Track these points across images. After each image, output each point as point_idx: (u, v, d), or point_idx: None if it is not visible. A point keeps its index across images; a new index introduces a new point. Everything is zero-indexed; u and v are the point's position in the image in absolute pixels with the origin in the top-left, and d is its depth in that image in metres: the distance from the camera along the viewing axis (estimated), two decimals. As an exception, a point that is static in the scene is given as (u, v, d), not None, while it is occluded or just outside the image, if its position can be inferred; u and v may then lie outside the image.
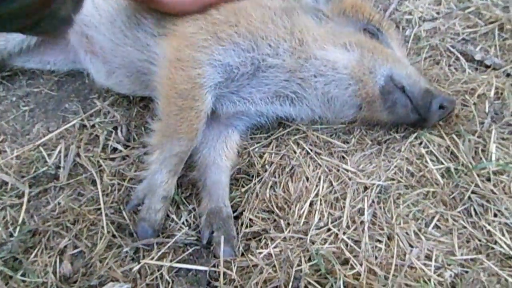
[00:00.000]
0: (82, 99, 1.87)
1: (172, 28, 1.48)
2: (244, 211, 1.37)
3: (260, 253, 1.22)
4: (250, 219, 1.33)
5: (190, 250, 1.29)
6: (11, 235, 1.42)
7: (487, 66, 1.56)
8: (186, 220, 1.39)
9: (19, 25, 0.98)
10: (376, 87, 1.39)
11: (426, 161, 1.35)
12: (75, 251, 1.36)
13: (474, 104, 1.42)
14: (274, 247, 1.22)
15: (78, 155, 1.63)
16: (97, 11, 1.67)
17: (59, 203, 1.50)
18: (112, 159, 1.61)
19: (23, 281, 1.29)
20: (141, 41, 1.56)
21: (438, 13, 1.82)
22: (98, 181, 1.52)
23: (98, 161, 1.59)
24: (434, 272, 1.12)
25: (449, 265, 1.14)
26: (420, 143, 1.40)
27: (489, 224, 1.20)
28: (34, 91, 1.94)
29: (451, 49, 1.64)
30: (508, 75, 1.51)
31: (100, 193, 1.48)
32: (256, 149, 1.51)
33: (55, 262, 1.33)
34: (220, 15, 1.42)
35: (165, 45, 1.47)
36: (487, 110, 1.40)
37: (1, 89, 1.95)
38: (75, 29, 1.79)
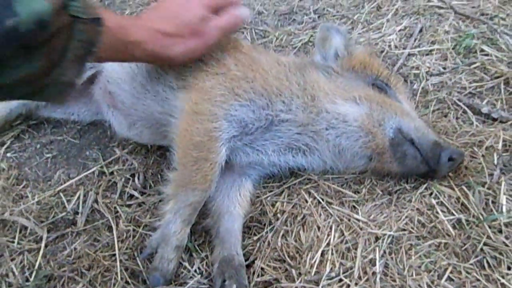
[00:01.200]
0: (103, 147, 1.95)
1: (192, 82, 1.57)
2: (256, 259, 1.38)
3: (271, 303, 1.22)
4: (262, 268, 1.34)
5: (202, 298, 1.29)
6: (27, 280, 1.44)
7: (494, 119, 1.60)
8: (199, 268, 1.41)
9: (22, 93, 1.03)
10: (385, 139, 1.44)
11: (437, 212, 1.36)
12: (89, 297, 1.37)
13: (483, 156, 1.44)
14: (286, 297, 1.22)
15: (96, 201, 1.68)
16: (119, 67, 1.78)
17: (75, 249, 1.53)
18: (129, 206, 1.65)
19: (37, 327, 1.30)
20: (160, 94, 1.66)
21: (444, 68, 1.89)
22: (114, 227, 1.56)
23: (115, 207, 1.64)
24: (448, 327, 1.10)
25: (464, 319, 1.12)
26: (431, 194, 1.42)
27: (503, 277, 1.19)
28: (58, 139, 2.03)
29: (458, 102, 1.69)
30: (515, 127, 1.55)
31: (116, 239, 1.51)
32: (269, 198, 1.54)
33: (69, 308, 1.35)
34: (238, 71, 1.51)
35: (184, 98, 1.56)
36: (495, 162, 1.42)
37: (27, 136, 2.05)
38: (99, 85, 1.91)
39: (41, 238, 1.57)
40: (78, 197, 1.70)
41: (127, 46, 1.27)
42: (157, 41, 1.34)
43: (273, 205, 1.51)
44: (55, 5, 0.96)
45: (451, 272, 1.23)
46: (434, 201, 1.39)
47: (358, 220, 1.39)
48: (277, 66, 1.54)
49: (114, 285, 1.38)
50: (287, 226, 1.43)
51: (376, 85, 1.56)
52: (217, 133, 1.45)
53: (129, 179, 1.74)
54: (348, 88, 1.53)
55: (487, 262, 1.23)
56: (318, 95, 1.49)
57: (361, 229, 1.36)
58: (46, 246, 1.55)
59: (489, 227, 1.28)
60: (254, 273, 1.34)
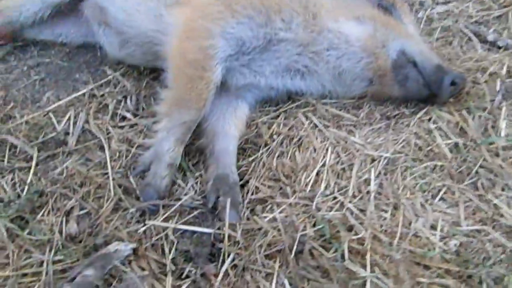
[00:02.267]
0: (93, 70, 1.88)
1: None
2: (250, 179, 1.37)
3: (265, 217, 1.22)
4: (256, 187, 1.34)
5: (195, 213, 1.29)
6: (19, 196, 1.43)
7: (500, 47, 1.55)
8: (193, 186, 1.40)
9: None
10: (388, 60, 1.39)
11: (435, 136, 1.34)
12: (82, 212, 1.36)
13: (485, 82, 1.41)
14: (280, 212, 1.22)
15: (87, 122, 1.64)
16: None
17: (66, 167, 1.50)
18: (121, 127, 1.62)
19: (29, 239, 1.30)
20: (153, 11, 1.57)
21: (451, -4, 1.81)
22: (106, 147, 1.53)
23: (106, 128, 1.60)
24: (440, 241, 1.12)
25: (454, 235, 1.14)
26: (429, 119, 1.40)
27: (496, 198, 1.20)
28: (45, 61, 1.95)
29: (464, 30, 1.63)
30: (520, 55, 1.51)
31: (108, 158, 1.49)
32: (265, 120, 1.51)
33: (62, 222, 1.34)
34: None
35: (178, 15, 1.48)
36: (498, 88, 1.39)
37: (13, 58, 1.97)
38: (90, 2, 1.80)
39: (31, 157, 1.54)
40: (69, 118, 1.66)
41: None
42: None
43: (269, 128, 1.49)
44: None
45: (445, 193, 1.24)
46: (432, 126, 1.37)
47: (355, 142, 1.37)
48: None
49: (107, 201, 1.37)
50: (282, 147, 1.41)
51: (381, 5, 1.49)
52: (213, 51, 1.39)
53: (121, 101, 1.69)
54: (352, 6, 1.46)
55: (482, 183, 1.24)
56: (320, 13, 1.42)
57: (357, 151, 1.35)
58: (37, 164, 1.52)
59: (487, 150, 1.27)
60: (248, 191, 1.34)
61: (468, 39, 1.62)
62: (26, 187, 1.43)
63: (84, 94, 1.75)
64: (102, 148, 1.55)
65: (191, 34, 1.41)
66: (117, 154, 1.51)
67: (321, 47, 1.42)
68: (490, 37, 1.57)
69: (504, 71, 1.43)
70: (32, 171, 1.50)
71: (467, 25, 1.65)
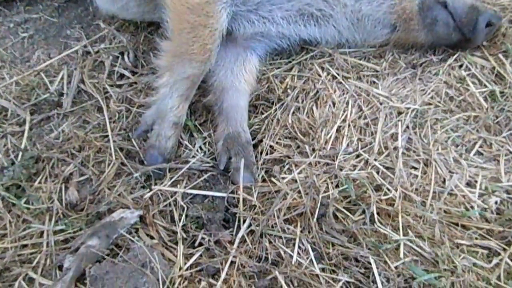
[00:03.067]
0: (85, 25, 1.72)
1: None
2: (264, 138, 1.25)
3: (283, 178, 1.11)
4: (271, 146, 1.22)
5: (206, 177, 1.18)
6: (13, 163, 1.32)
7: (537, -17, 1.38)
8: (201, 147, 1.28)
9: None
10: (414, 2, 1.24)
11: (468, 84, 1.21)
12: (82, 178, 1.26)
13: (524, 21, 1.26)
14: (299, 173, 1.11)
15: (82, 81, 1.51)
16: None
17: (63, 131, 1.39)
18: (119, 86, 1.48)
19: (27, 208, 1.20)
20: None
21: None
22: (104, 108, 1.40)
23: (104, 88, 1.47)
24: (478, 199, 1.01)
25: (494, 191, 1.03)
26: (461, 66, 1.26)
27: (538, 150, 1.08)
28: (33, 17, 1.79)
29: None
30: (562, -9, 1.34)
31: (107, 120, 1.37)
32: (277, 74, 1.37)
33: (61, 189, 1.24)
34: None
35: None
36: (538, 28, 1.24)
37: (-3, 15, 1.81)
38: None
39: (24, 121, 1.42)
40: (62, 78, 1.52)
41: None
42: None
43: (281, 82, 1.35)
44: None
45: (480, 146, 1.12)
46: (464, 73, 1.23)
47: (378, 94, 1.24)
48: None
49: (109, 165, 1.26)
50: (298, 102, 1.28)
51: None
52: None
53: (117, 57, 1.55)
54: None
55: (522, 135, 1.12)
56: None
57: (381, 103, 1.22)
58: (30, 129, 1.41)
59: (527, 97, 1.14)
60: (262, 151, 1.22)
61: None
62: (20, 153, 1.32)
63: (77, 51, 1.60)
64: (100, 109, 1.42)
65: None
66: (117, 115, 1.39)
67: None
68: (527, -27, 1.40)
69: (545, 9, 1.28)
70: (25, 135, 1.39)
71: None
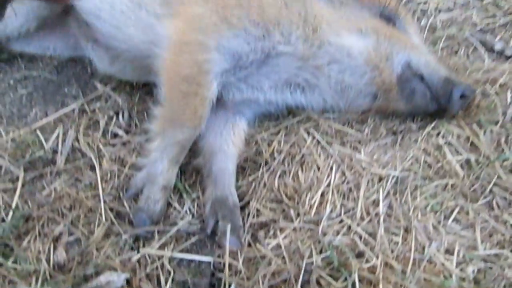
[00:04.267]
0: (83, 84, 1.79)
1: (179, 8, 1.41)
2: (251, 200, 1.29)
3: (268, 243, 1.14)
4: (257, 209, 1.26)
5: (193, 240, 1.21)
6: (3, 220, 1.33)
7: (508, 57, 1.50)
8: (189, 209, 1.31)
9: None
10: (393, 74, 1.33)
11: (445, 152, 1.28)
12: (71, 238, 1.28)
13: (496, 93, 1.35)
14: (284, 238, 1.14)
15: (76, 139, 1.55)
16: None
17: (55, 189, 1.42)
18: (112, 145, 1.53)
19: (14, 269, 1.21)
20: (144, 21, 1.49)
21: (454, 3, 1.76)
22: (97, 167, 1.44)
23: (97, 146, 1.51)
24: (456, 267, 1.05)
25: (472, 260, 1.07)
26: (438, 134, 1.33)
27: (513, 219, 1.13)
28: (33, 74, 1.86)
29: (470, 38, 1.57)
30: (530, 65, 1.45)
31: (99, 179, 1.40)
32: (265, 137, 1.44)
33: (49, 249, 1.25)
34: None
35: (171, 26, 1.40)
36: (509, 100, 1.33)
37: (-1, 71, 1.88)
38: (74, 17, 1.72)
39: (17, 178, 1.45)
40: (57, 136, 1.57)
41: None
42: None
43: (269, 145, 1.41)
44: None
45: (458, 213, 1.17)
46: (441, 141, 1.30)
47: (361, 160, 1.30)
48: None
49: (98, 226, 1.28)
50: (284, 166, 1.33)
51: (384, 16, 1.42)
52: (208, 66, 1.31)
53: (112, 117, 1.61)
54: (353, 18, 1.39)
55: (497, 203, 1.17)
56: (321, 26, 1.35)
57: (363, 169, 1.27)
58: (23, 185, 1.43)
59: (500, 167, 1.21)
60: (249, 214, 1.26)
61: (474, 48, 1.56)
62: (11, 211, 1.34)
63: (73, 110, 1.66)
64: (92, 167, 1.46)
65: (185, 48, 1.33)
66: (109, 174, 1.42)
67: (322, 61, 1.34)
68: (498, 46, 1.52)
69: (514, 82, 1.37)
70: (17, 193, 1.41)
71: (472, 33, 1.60)
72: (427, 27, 1.69)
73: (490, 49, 1.53)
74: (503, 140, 1.26)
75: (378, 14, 1.43)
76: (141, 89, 1.69)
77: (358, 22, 1.39)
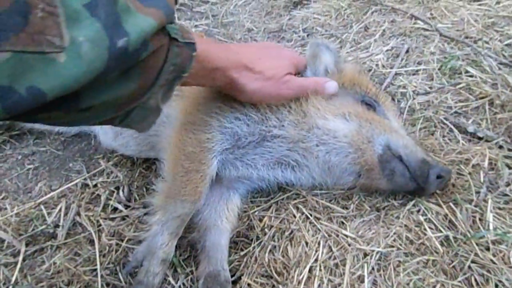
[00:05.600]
0: (87, 159, 1.91)
1: (186, 90, 1.56)
2: (242, 275, 1.35)
3: (258, 320, 1.18)
4: (249, 284, 1.31)
5: (186, 316, 1.25)
6: (2, 295, 1.38)
7: (480, 138, 1.62)
8: (183, 284, 1.37)
9: (108, 116, 0.94)
10: (374, 155, 1.44)
11: (425, 229, 1.36)
12: (67, 314, 1.32)
13: (469, 173, 1.45)
14: (273, 314, 1.18)
15: (78, 214, 1.64)
16: None
17: (54, 263, 1.48)
18: (112, 219, 1.61)
19: None
20: None
21: (430, 87, 1.92)
22: (96, 241, 1.51)
23: (97, 221, 1.59)
24: None
25: (453, 338, 1.11)
26: (418, 211, 1.42)
27: (491, 296, 1.19)
28: (40, 150, 1.99)
29: (445, 121, 1.71)
30: (500, 147, 1.56)
31: (97, 253, 1.46)
32: (256, 213, 1.52)
33: (45, 325, 1.29)
34: None
35: (177, 107, 1.54)
36: (482, 180, 1.43)
37: (8, 147, 2.01)
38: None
39: (19, 252, 1.52)
40: (60, 210, 1.66)
41: (211, 72, 1.22)
42: (239, 70, 1.31)
43: (260, 220, 1.49)
44: (159, 25, 0.89)
45: (439, 290, 1.22)
46: (422, 218, 1.39)
47: (347, 236, 1.37)
48: None
49: (95, 301, 1.33)
50: (274, 241, 1.41)
51: (365, 102, 1.56)
52: (210, 144, 1.43)
53: (113, 191, 1.70)
54: (338, 104, 1.53)
55: (475, 279, 1.23)
56: (310, 111, 1.49)
57: (349, 245, 1.34)
58: (24, 260, 1.50)
59: (477, 244, 1.28)
60: (240, 289, 1.31)
61: (449, 129, 1.69)
62: (11, 287, 1.39)
63: (76, 184, 1.76)
64: (92, 241, 1.53)
65: (190, 127, 1.46)
66: (107, 248, 1.49)
67: (311, 143, 1.47)
68: (470, 128, 1.64)
69: (486, 163, 1.48)
70: (18, 267, 1.46)
71: (447, 116, 1.73)
72: (407, 109, 1.84)
73: (463, 131, 1.66)
74: (478, 218, 1.34)
75: (360, 100, 1.57)
76: (141, 165, 1.80)
77: (343, 107, 1.53)
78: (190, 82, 1.19)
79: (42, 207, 1.67)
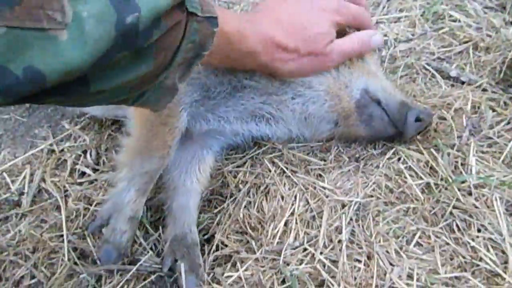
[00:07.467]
0: (53, 125, 1.81)
1: None
2: (215, 233, 1.28)
3: (229, 276, 1.12)
4: (222, 242, 1.25)
5: (153, 278, 1.19)
6: (-35, 266, 1.31)
7: (463, 83, 1.54)
8: (154, 245, 1.30)
9: (120, 98, 0.86)
10: (352, 101, 1.36)
11: (405, 177, 1.29)
12: (32, 281, 1.25)
13: (452, 118, 1.38)
14: (245, 270, 1.13)
15: (43, 180, 1.55)
16: None
17: (19, 231, 1.40)
18: (80, 184, 1.53)
19: (-28, 316, 1.18)
20: None
21: (413, 34, 1.82)
22: (62, 207, 1.43)
23: (64, 186, 1.51)
24: (417, 292, 1.04)
25: (433, 284, 1.06)
26: (399, 159, 1.35)
27: (473, 240, 1.13)
28: (4, 117, 1.88)
29: (427, 67, 1.63)
30: (484, 89, 1.49)
31: (64, 219, 1.39)
32: (230, 169, 1.44)
33: (9, 294, 1.22)
34: None
35: None
36: (464, 124, 1.36)
37: (-30, 116, 1.89)
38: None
39: (-18, 222, 1.44)
40: (24, 177, 1.57)
41: (241, 55, 1.14)
42: (272, 54, 1.19)
43: (235, 176, 1.42)
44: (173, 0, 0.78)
45: (419, 237, 1.17)
46: (402, 166, 1.32)
47: (324, 188, 1.31)
48: None
49: (61, 266, 1.26)
50: (249, 197, 1.34)
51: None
52: (178, 96, 1.33)
53: (80, 155, 1.61)
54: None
55: (457, 225, 1.18)
56: None
57: (327, 196, 1.28)
58: (-13, 230, 1.42)
59: (458, 189, 1.22)
60: (213, 247, 1.25)
61: (431, 75, 1.61)
62: (-27, 257, 1.32)
63: (42, 150, 1.67)
64: (58, 208, 1.45)
65: None
66: (74, 213, 1.42)
67: (287, 96, 1.37)
68: (453, 73, 1.56)
69: (469, 106, 1.41)
70: (-19, 237, 1.39)
71: (429, 62, 1.65)
72: (388, 57, 1.74)
73: (446, 76, 1.58)
74: (460, 163, 1.28)
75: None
76: (110, 127, 1.71)
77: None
78: (220, 63, 1.14)
79: (5, 175, 1.57)
